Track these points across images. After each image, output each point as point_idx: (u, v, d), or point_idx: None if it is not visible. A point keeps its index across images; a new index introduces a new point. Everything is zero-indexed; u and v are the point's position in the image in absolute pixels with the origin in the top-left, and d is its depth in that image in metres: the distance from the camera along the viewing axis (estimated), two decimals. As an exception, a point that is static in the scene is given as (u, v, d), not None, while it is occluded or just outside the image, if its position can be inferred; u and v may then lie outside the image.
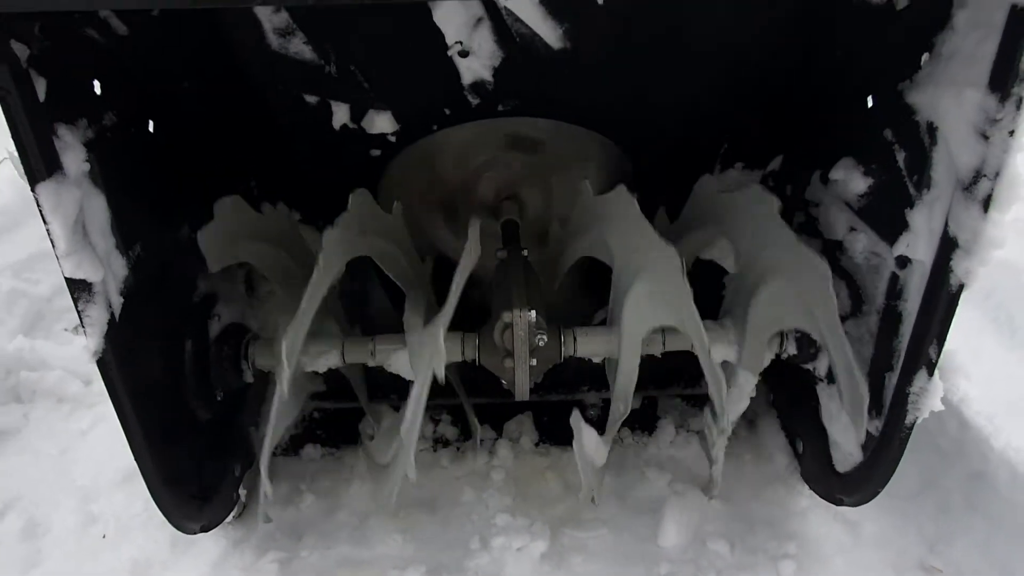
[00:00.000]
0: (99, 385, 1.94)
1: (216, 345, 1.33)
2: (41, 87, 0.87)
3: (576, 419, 1.30)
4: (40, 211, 0.89)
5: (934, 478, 1.42)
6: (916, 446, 1.44)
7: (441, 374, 1.16)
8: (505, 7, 1.05)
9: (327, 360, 1.35)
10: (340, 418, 1.65)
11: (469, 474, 1.54)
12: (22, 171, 0.86)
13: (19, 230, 2.17)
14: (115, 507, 1.53)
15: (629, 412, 1.31)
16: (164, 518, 1.20)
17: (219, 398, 1.35)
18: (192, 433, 1.28)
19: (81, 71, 0.97)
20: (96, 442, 1.75)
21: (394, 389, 1.59)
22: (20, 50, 0.82)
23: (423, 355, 1.21)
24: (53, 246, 0.91)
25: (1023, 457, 1.24)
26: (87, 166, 0.94)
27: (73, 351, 1.97)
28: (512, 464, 1.56)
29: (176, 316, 1.24)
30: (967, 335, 1.67)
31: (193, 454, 1.28)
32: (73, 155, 0.92)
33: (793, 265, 1.18)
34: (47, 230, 0.90)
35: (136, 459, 1.10)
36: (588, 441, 1.29)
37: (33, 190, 0.87)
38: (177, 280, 1.24)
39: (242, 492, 1.47)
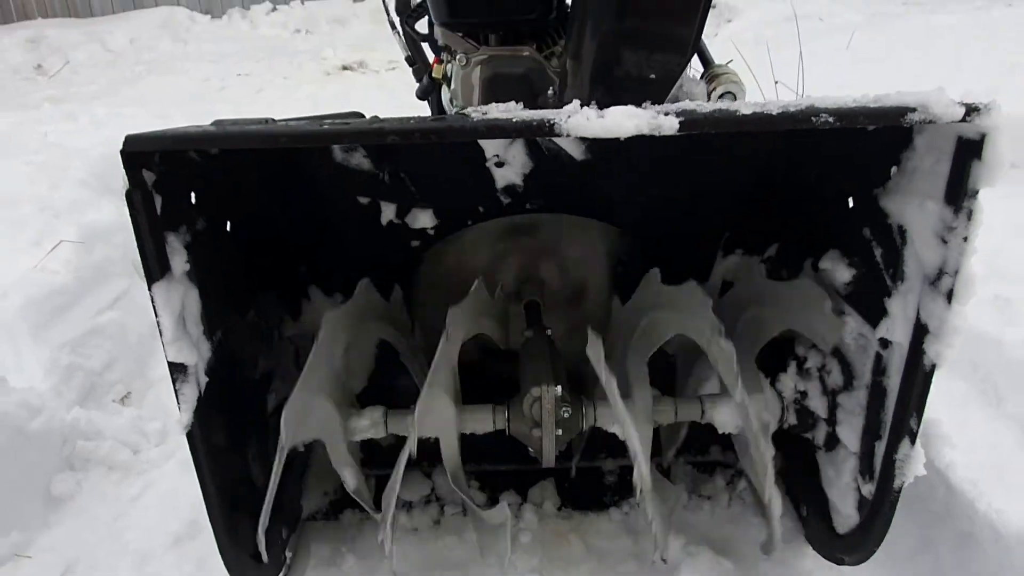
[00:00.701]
0: (146, 454, 2.10)
1: (273, 417, 1.48)
2: (159, 204, 1.05)
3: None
4: (153, 306, 1.06)
5: (929, 539, 1.54)
6: (912, 510, 1.58)
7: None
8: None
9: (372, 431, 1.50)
10: (377, 485, 1.78)
11: (498, 537, 1.66)
12: (142, 273, 1.03)
13: (74, 309, 2.34)
14: (168, 569, 1.65)
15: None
16: (226, 574, 1.33)
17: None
18: (251, 497, 1.42)
19: (183, 186, 1.15)
20: (146, 508, 1.87)
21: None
22: (148, 177, 1.01)
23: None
24: (160, 335, 1.08)
25: (1004, 519, 1.36)
26: (187, 266, 1.11)
27: (122, 422, 2.11)
28: (537, 527, 1.68)
29: (242, 392, 1.40)
30: (955, 405, 1.82)
31: (251, 517, 1.41)
32: (178, 258, 1.09)
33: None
34: (157, 322, 1.07)
35: (210, 520, 1.24)
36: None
37: (149, 289, 1.05)
38: (244, 360, 1.40)
39: (288, 553, 1.60)
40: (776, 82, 3.87)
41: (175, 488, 1.89)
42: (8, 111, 5.33)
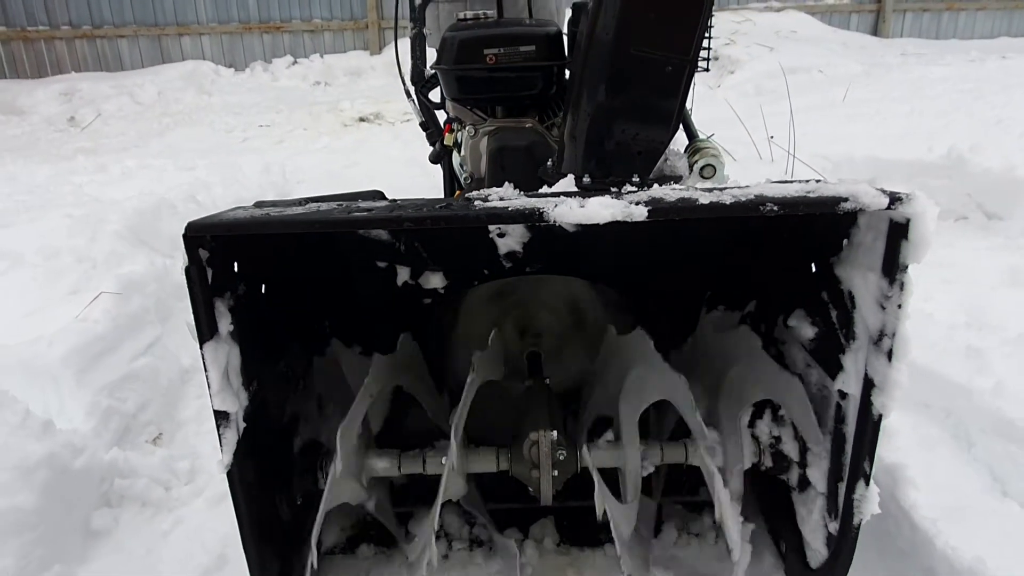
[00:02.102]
0: (176, 492, 2.27)
1: (299, 457, 1.65)
2: (210, 275, 1.24)
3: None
4: (203, 363, 1.24)
5: (897, 574, 1.67)
6: (882, 547, 1.71)
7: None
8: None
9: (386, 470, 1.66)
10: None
11: (501, 571, 1.80)
12: (195, 334, 1.22)
13: (112, 355, 2.53)
14: (199, 599, 1.80)
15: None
16: (255, 602, 1.48)
17: (298, 502, 1.65)
18: (279, 531, 1.58)
19: (228, 258, 1.34)
20: (176, 542, 2.02)
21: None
22: (203, 254, 1.20)
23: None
24: (208, 387, 1.26)
25: (959, 555, 1.50)
26: (231, 327, 1.30)
27: (155, 461, 2.28)
28: (537, 562, 1.82)
29: (272, 435, 1.56)
30: (926, 450, 1.95)
31: (278, 548, 1.57)
32: (224, 320, 1.28)
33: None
34: (206, 376, 1.25)
35: (245, 551, 1.39)
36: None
37: (201, 348, 1.23)
38: (274, 406, 1.57)
39: (309, 584, 1.74)
40: (771, 137, 4.08)
41: (203, 524, 2.05)
42: (44, 162, 5.63)
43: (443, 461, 1.53)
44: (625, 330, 1.71)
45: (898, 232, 1.17)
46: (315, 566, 1.50)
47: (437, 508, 1.48)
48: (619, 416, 1.68)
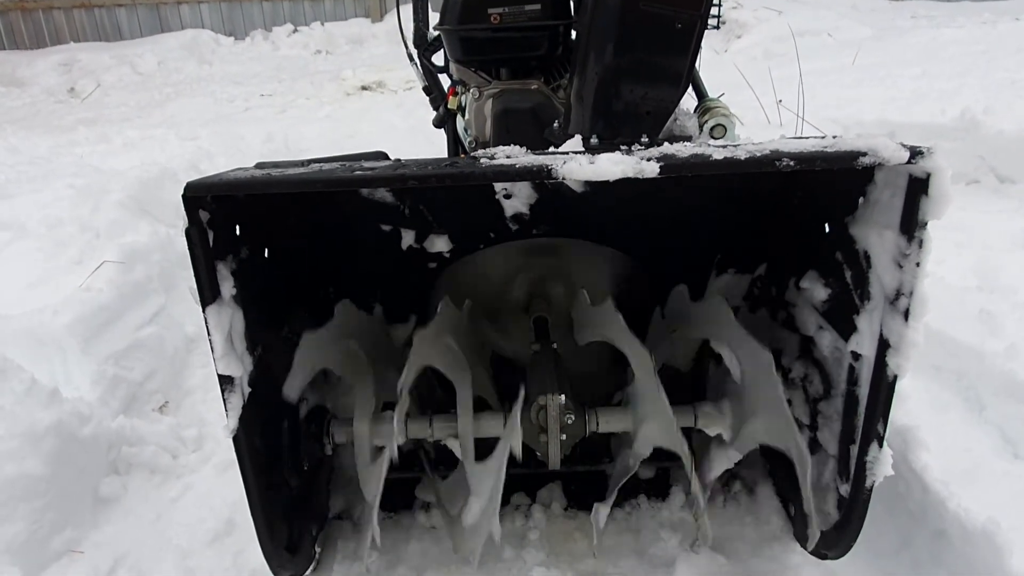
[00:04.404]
0: (184, 459, 2.26)
1: (305, 424, 1.64)
2: (211, 237, 1.21)
3: None
4: (206, 326, 1.22)
5: (908, 536, 1.66)
6: (893, 510, 1.70)
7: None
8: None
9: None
10: (397, 486, 1.93)
11: (509, 534, 1.80)
12: (197, 298, 1.20)
13: (117, 324, 2.52)
14: (209, 563, 1.81)
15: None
16: (264, 564, 1.48)
17: (305, 467, 1.64)
18: (286, 496, 1.57)
19: (229, 221, 1.31)
20: (185, 508, 2.03)
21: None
22: (203, 216, 1.17)
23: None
24: (212, 351, 1.24)
25: (971, 516, 1.48)
26: (234, 290, 1.27)
27: (162, 428, 2.28)
28: (545, 526, 1.82)
29: (277, 401, 1.55)
30: (938, 412, 1.94)
31: (286, 513, 1.57)
32: (227, 284, 1.25)
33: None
34: (209, 340, 1.23)
35: (252, 516, 1.39)
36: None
37: (204, 311, 1.21)
38: (279, 372, 1.56)
39: (317, 549, 1.75)
40: (779, 101, 4.01)
41: (211, 490, 2.06)
42: (45, 134, 5.59)
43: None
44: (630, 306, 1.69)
45: (917, 188, 1.14)
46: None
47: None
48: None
